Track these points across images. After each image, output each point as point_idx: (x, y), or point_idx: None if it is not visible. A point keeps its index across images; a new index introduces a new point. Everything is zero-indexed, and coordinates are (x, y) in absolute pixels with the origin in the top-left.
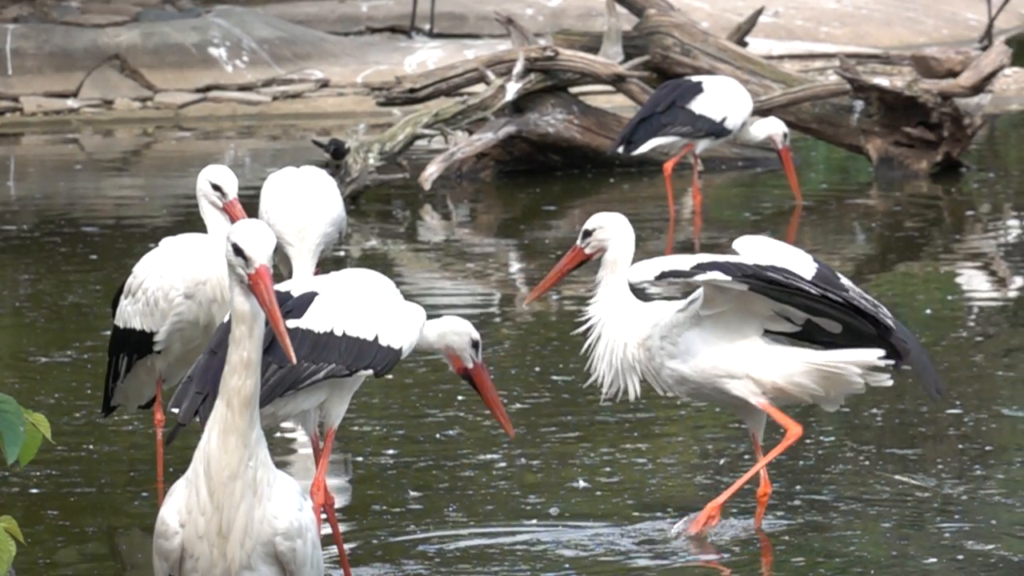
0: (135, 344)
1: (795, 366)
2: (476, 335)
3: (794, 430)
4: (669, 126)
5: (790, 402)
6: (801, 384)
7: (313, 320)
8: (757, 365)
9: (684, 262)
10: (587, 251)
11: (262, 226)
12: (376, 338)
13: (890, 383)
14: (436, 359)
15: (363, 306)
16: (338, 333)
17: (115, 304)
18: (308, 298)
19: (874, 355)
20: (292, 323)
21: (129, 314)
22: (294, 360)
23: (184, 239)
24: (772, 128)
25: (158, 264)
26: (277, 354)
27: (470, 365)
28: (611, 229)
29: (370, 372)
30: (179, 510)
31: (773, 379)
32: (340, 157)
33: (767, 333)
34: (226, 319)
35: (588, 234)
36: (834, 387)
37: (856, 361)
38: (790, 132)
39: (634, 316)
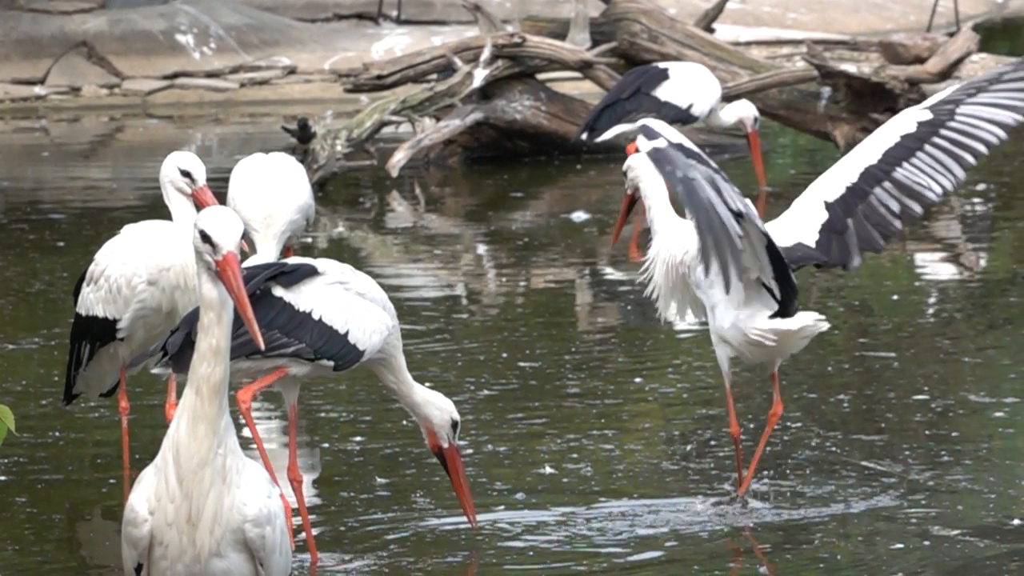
0: (98, 331)
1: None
2: (456, 416)
3: (733, 430)
4: (634, 113)
5: (751, 355)
6: (759, 341)
7: (299, 296)
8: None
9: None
10: (628, 191)
11: (229, 212)
12: (347, 333)
13: (826, 326)
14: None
15: (345, 300)
16: (315, 316)
17: (77, 291)
18: (304, 272)
19: (812, 317)
20: (279, 292)
21: (91, 301)
22: (262, 347)
23: (146, 226)
24: (743, 111)
25: (120, 251)
26: (255, 315)
27: (445, 445)
28: (638, 168)
29: (331, 364)
30: (148, 498)
31: (738, 331)
32: (307, 140)
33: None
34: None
35: (625, 176)
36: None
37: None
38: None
39: (682, 237)
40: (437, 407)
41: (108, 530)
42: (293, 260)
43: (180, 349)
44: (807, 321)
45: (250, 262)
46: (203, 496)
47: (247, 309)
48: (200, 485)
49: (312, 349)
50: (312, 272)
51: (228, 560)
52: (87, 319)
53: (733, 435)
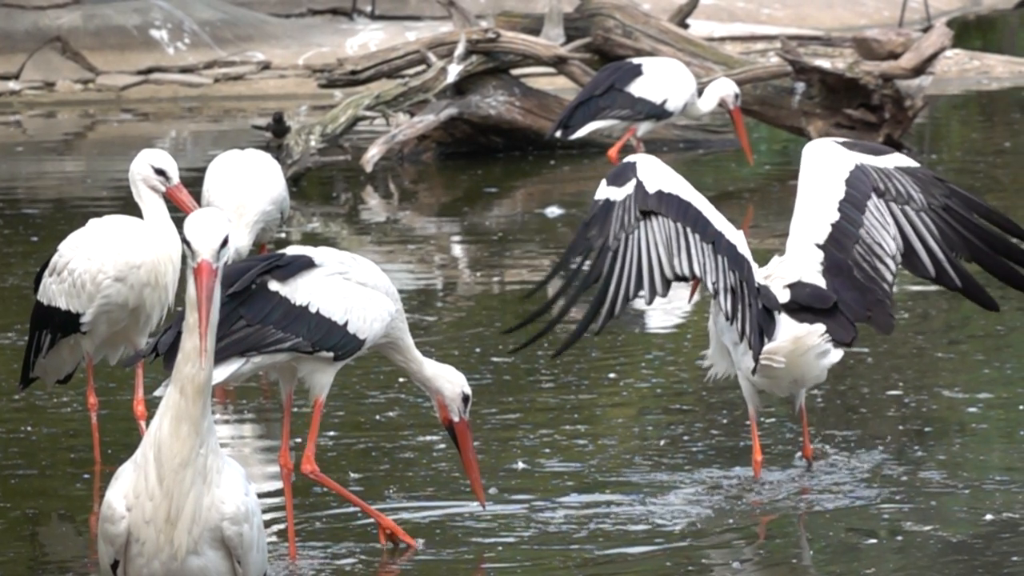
0: (60, 323)
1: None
2: (468, 390)
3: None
4: (608, 109)
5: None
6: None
7: (295, 290)
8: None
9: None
10: None
11: (214, 220)
12: (346, 324)
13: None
14: None
15: (345, 290)
16: (312, 309)
17: (38, 280)
18: (301, 265)
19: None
20: (274, 286)
21: (53, 292)
22: (211, 374)
23: (113, 221)
24: (723, 89)
25: (86, 245)
26: (250, 311)
27: (456, 419)
28: None
29: (331, 355)
30: (126, 494)
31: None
32: (281, 134)
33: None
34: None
35: None
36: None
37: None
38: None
39: None
40: (448, 380)
41: (82, 525)
42: (291, 251)
43: (171, 348)
44: (799, 332)
45: None
46: (183, 495)
47: (205, 324)
48: (181, 484)
49: (310, 342)
50: (309, 264)
51: (205, 557)
52: (48, 309)
53: (756, 465)
